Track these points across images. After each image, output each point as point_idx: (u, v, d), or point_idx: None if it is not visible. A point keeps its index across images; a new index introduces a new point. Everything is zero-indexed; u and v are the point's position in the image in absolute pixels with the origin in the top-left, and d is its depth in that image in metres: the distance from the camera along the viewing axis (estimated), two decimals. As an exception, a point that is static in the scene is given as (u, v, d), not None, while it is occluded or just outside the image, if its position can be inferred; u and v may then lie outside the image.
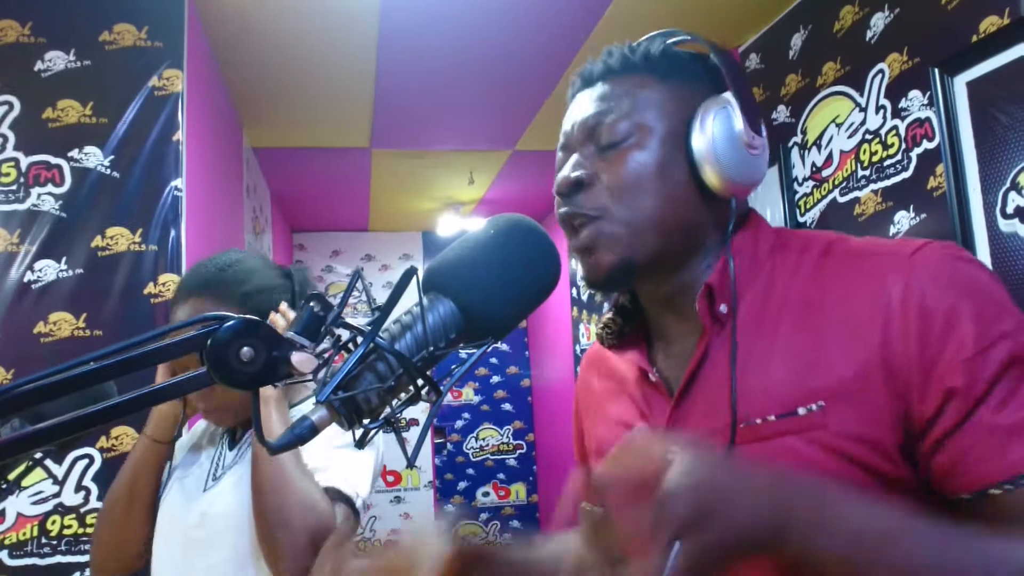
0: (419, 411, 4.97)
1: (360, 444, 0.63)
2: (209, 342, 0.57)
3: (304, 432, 0.58)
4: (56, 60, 2.19)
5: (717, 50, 0.79)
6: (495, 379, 6.39)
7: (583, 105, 0.81)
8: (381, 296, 0.59)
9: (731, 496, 0.53)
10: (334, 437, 1.19)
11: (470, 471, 6.24)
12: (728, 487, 0.53)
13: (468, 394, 6.31)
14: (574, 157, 0.79)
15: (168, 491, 1.31)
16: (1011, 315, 0.65)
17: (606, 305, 0.88)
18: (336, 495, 1.16)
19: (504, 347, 6.41)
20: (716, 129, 0.74)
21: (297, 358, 0.59)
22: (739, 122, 0.75)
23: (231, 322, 0.58)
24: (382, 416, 0.62)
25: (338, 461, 1.22)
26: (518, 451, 6.33)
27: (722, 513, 0.52)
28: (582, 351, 5.06)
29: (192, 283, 1.24)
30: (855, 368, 0.66)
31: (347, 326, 0.61)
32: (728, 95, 0.77)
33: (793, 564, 0.56)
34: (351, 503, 1.18)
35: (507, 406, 6.38)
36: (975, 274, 0.67)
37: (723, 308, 0.75)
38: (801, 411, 0.68)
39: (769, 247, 0.79)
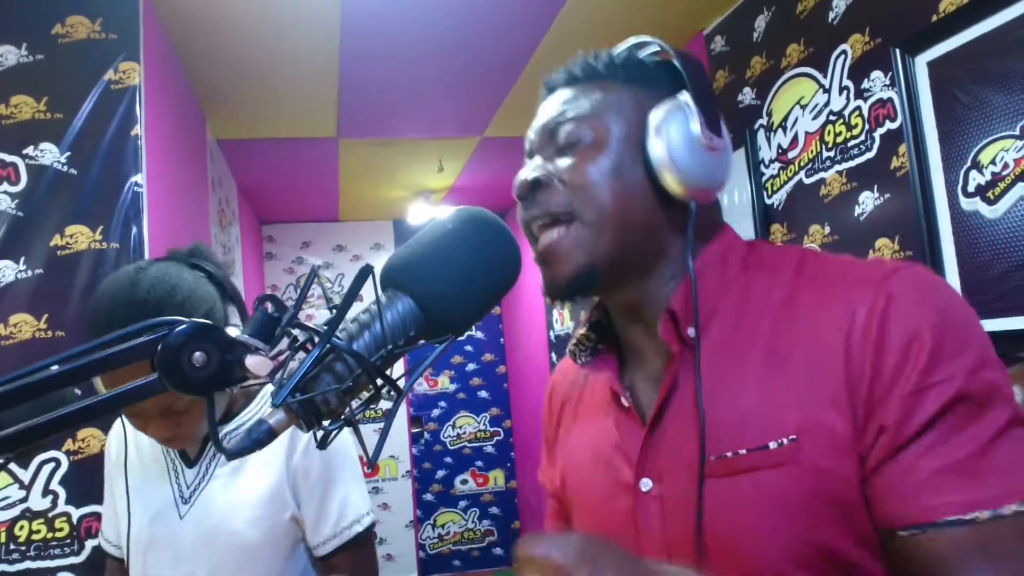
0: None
1: (321, 445, 0.62)
2: (160, 347, 0.56)
3: (262, 436, 0.57)
4: (7, 55, 2.13)
5: (680, 54, 0.78)
6: (471, 366, 6.39)
7: (545, 111, 0.81)
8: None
9: None
10: (342, 458, 1.28)
11: (448, 459, 6.24)
12: None
13: (444, 382, 6.30)
14: (535, 160, 0.80)
15: (138, 527, 1.24)
16: (971, 350, 0.63)
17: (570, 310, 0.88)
18: (370, 531, 1.27)
19: (479, 334, 6.41)
20: (672, 131, 0.74)
21: (251, 361, 0.58)
22: (696, 124, 0.74)
23: (182, 326, 0.56)
24: (342, 417, 0.61)
25: (351, 489, 1.27)
26: (495, 438, 6.34)
27: None
28: (556, 337, 5.07)
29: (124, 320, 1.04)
30: (823, 400, 0.65)
31: (302, 327, 0.60)
32: (684, 96, 0.76)
33: None
34: (373, 526, 1.28)
35: (483, 393, 6.39)
36: (943, 304, 0.65)
37: (691, 332, 0.73)
38: (772, 445, 0.67)
39: (740, 263, 0.77)
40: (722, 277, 0.76)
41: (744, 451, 0.68)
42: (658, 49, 0.82)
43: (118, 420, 1.35)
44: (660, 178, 0.74)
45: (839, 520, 0.65)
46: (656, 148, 0.74)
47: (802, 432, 0.65)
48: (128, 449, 1.31)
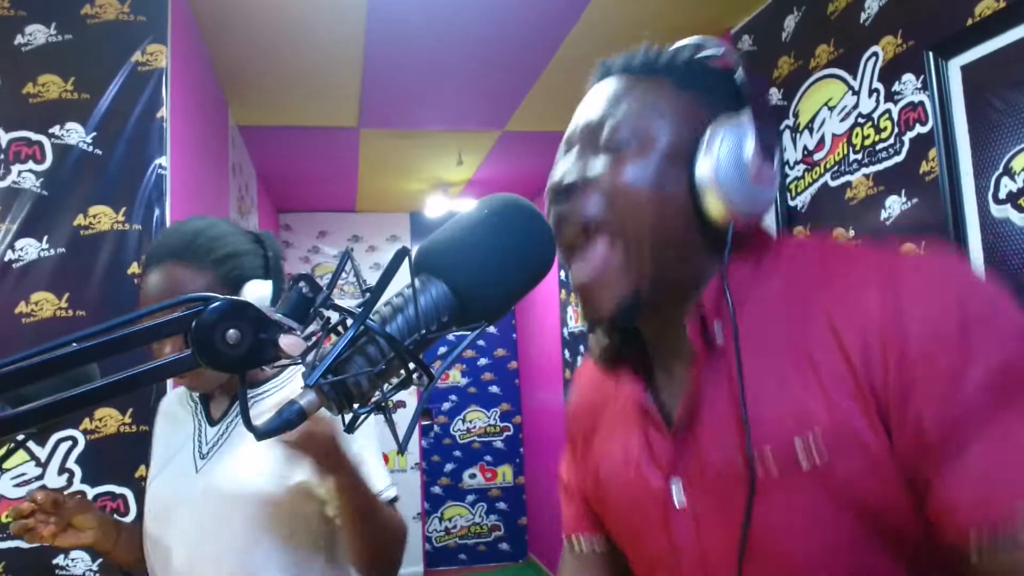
0: (406, 394, 4.93)
1: (350, 428, 0.62)
2: (194, 324, 0.55)
3: (292, 417, 0.57)
4: (37, 34, 2.14)
5: (747, 66, 0.73)
6: (482, 361, 6.39)
7: (593, 100, 0.77)
8: (369, 278, 0.57)
9: None
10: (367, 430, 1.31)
11: (457, 453, 6.24)
12: None
13: (455, 376, 6.31)
14: (572, 156, 0.76)
15: (158, 473, 1.32)
16: (996, 335, 0.58)
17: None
18: (394, 502, 1.29)
19: (492, 329, 6.40)
20: (723, 152, 0.69)
21: (285, 341, 0.57)
22: (750, 149, 0.69)
23: (217, 303, 0.56)
24: (372, 401, 0.60)
25: (376, 460, 1.30)
26: (505, 433, 6.34)
27: None
28: (570, 334, 5.06)
29: (163, 249, 1.23)
30: (846, 395, 0.62)
31: (337, 308, 0.60)
32: (744, 116, 0.71)
33: None
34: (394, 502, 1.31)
35: (494, 388, 6.38)
36: (964, 288, 0.61)
37: (717, 328, 0.71)
38: (798, 443, 0.63)
39: (756, 265, 0.74)
40: (745, 284, 0.73)
41: (769, 452, 0.65)
42: (718, 54, 0.76)
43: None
44: (703, 199, 0.70)
45: (871, 533, 0.61)
46: (704, 168, 0.69)
47: (828, 433, 0.62)
48: (159, 418, 1.40)
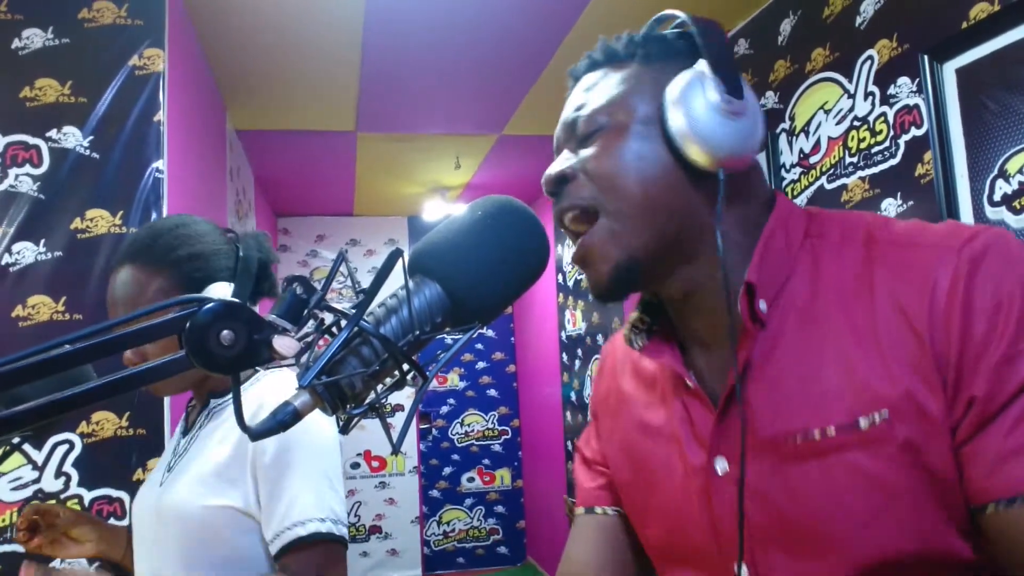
0: (404, 397, 4.96)
1: (344, 430, 0.62)
2: (188, 325, 0.55)
3: (286, 418, 0.57)
4: (34, 38, 2.14)
5: (697, 22, 0.75)
6: (480, 365, 6.39)
7: (568, 104, 0.81)
8: (366, 281, 0.57)
9: None
10: (288, 458, 1.11)
11: (455, 456, 6.24)
12: None
13: (453, 380, 6.30)
14: (562, 154, 0.79)
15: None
16: None
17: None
18: (319, 539, 1.08)
19: (490, 333, 6.40)
20: (689, 101, 0.70)
21: (279, 342, 0.58)
22: (713, 91, 0.70)
23: (211, 304, 0.56)
24: (366, 402, 0.60)
25: (304, 487, 1.09)
26: (503, 437, 6.34)
27: None
28: (567, 337, 5.06)
29: (122, 252, 1.18)
30: (912, 373, 0.63)
31: (331, 309, 0.60)
32: (700, 64, 0.73)
33: None
34: (334, 537, 1.10)
35: (492, 392, 6.38)
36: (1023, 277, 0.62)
37: (763, 306, 0.70)
38: (863, 422, 0.64)
39: (803, 232, 0.74)
40: (787, 248, 0.73)
41: (832, 430, 0.65)
42: (680, 21, 0.80)
43: None
44: (684, 152, 0.71)
45: (935, 500, 0.62)
46: (675, 121, 0.71)
47: (894, 407, 0.63)
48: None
